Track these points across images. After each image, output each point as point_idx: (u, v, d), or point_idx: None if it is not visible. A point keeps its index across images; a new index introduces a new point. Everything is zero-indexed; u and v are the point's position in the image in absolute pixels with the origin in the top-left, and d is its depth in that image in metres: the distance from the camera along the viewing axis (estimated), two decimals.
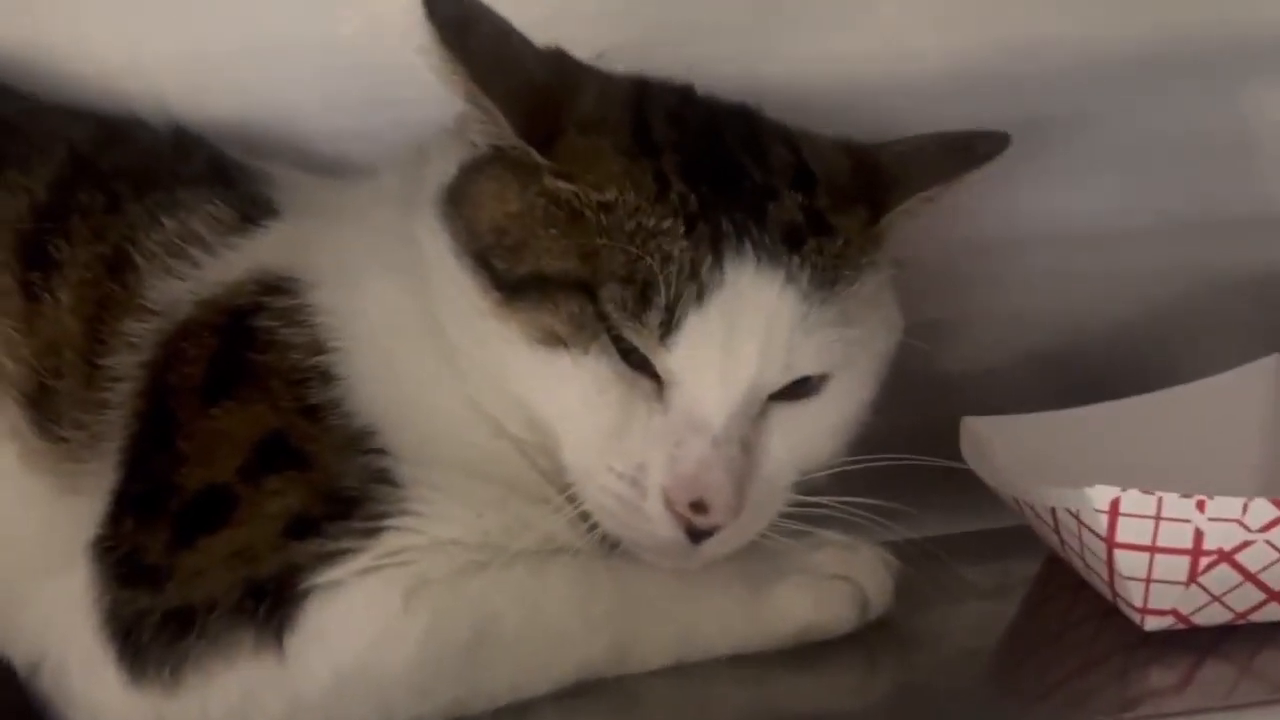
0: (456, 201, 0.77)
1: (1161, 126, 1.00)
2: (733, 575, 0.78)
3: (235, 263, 0.79)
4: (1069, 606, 0.84)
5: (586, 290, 0.73)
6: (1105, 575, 0.76)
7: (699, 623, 0.77)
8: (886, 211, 0.79)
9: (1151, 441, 0.90)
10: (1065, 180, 1.00)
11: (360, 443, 0.74)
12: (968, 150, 0.81)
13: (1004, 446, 0.88)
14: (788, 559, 0.79)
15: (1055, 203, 1.01)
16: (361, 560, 0.72)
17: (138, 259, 0.78)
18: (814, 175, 0.78)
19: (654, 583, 0.77)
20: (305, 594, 0.71)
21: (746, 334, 0.73)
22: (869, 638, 0.80)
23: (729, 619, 0.77)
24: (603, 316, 0.73)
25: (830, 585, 0.79)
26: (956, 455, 0.89)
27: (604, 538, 0.76)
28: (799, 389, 0.77)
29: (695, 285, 0.73)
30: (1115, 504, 0.72)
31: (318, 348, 0.76)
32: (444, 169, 0.78)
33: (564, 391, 0.74)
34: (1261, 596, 0.75)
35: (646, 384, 0.74)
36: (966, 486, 0.87)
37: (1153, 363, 1.02)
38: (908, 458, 0.78)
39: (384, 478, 0.74)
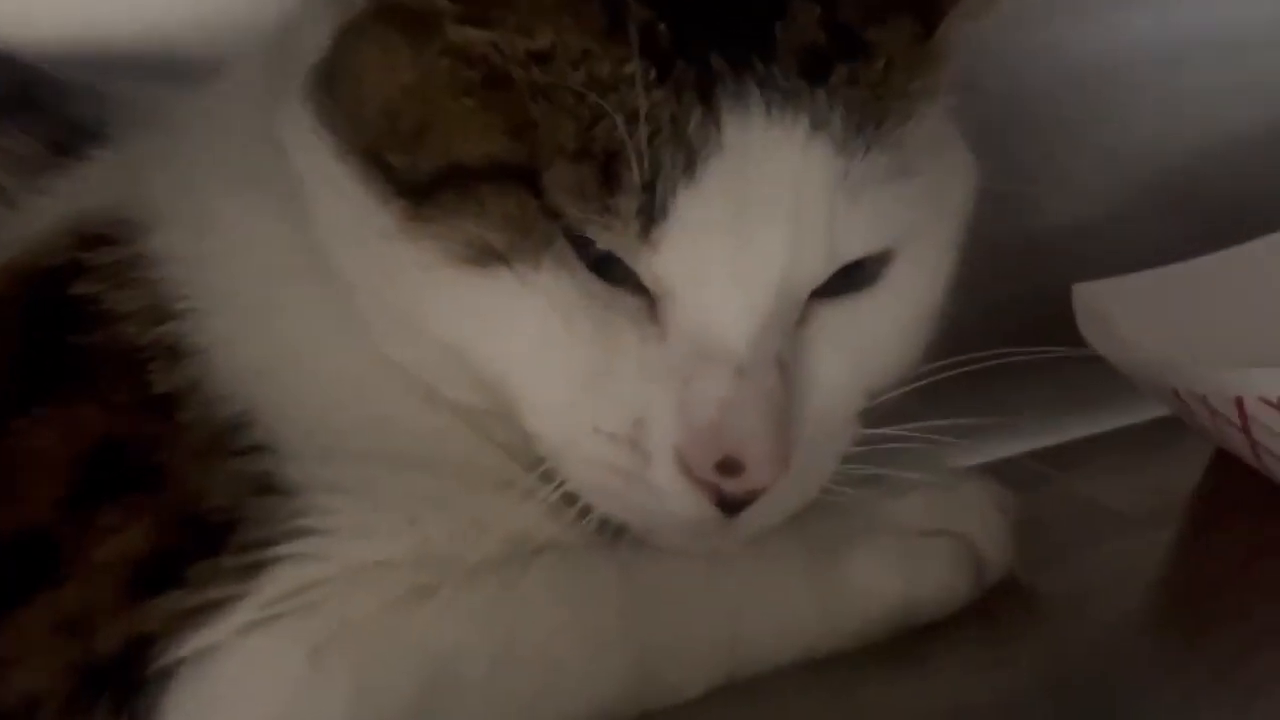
0: (332, 84, 0.56)
1: None
2: (790, 550, 0.58)
3: (44, 211, 0.60)
4: (1259, 527, 0.62)
5: (525, 178, 0.52)
6: None
7: (751, 623, 0.57)
8: (942, 16, 0.56)
9: None
10: None
11: (230, 440, 0.55)
12: None
13: (1132, 315, 0.69)
14: (862, 516, 0.59)
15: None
16: (243, 612, 0.52)
17: None
18: None
19: (680, 577, 0.57)
20: (165, 674, 0.52)
21: (765, 211, 0.53)
22: (988, 609, 0.59)
23: (792, 612, 0.57)
24: (553, 213, 0.52)
25: (926, 545, 0.59)
26: (1067, 336, 0.69)
27: (601, 524, 0.56)
28: (852, 278, 0.56)
29: (682, 150, 0.52)
30: None
31: (161, 313, 0.56)
32: (315, 44, 0.57)
33: (513, 328, 0.54)
34: None
35: (631, 302, 0.54)
36: (1087, 376, 0.68)
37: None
38: (1011, 351, 0.58)
39: (267, 486, 0.54)
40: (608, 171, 0.51)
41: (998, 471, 0.62)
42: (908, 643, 0.58)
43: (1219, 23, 0.87)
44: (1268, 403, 0.53)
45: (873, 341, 0.57)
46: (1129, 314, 0.69)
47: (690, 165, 0.52)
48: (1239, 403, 0.56)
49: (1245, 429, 0.57)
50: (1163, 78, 0.86)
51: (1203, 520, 0.66)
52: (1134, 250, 0.79)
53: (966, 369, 0.58)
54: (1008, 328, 0.59)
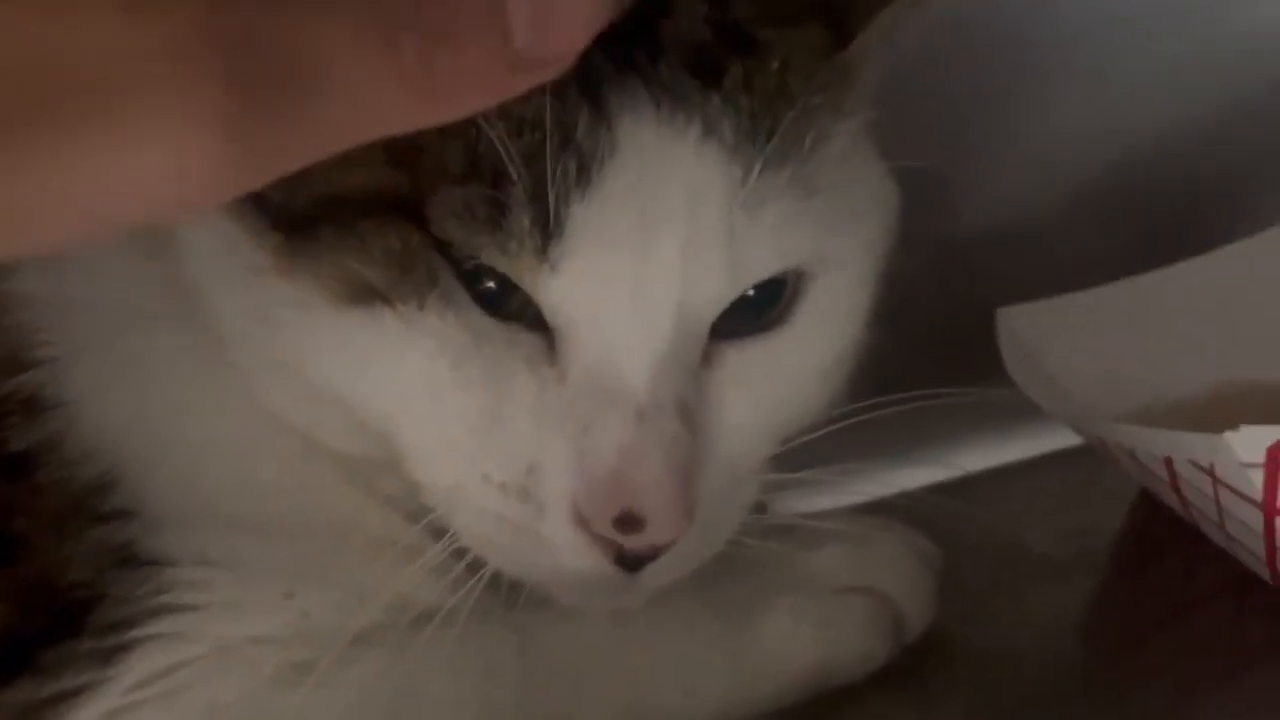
0: None
1: None
2: (698, 610, 0.54)
3: None
4: (1190, 573, 0.58)
5: (407, 210, 0.47)
6: (1261, 550, 0.50)
7: (658, 687, 0.53)
8: (857, 29, 0.51)
9: (1246, 301, 0.66)
10: None
11: (92, 505, 0.50)
12: None
13: (1056, 341, 0.65)
14: (775, 571, 0.55)
15: None
16: (103, 700, 0.47)
17: None
18: None
19: (581, 640, 0.52)
20: None
21: (662, 220, 0.48)
22: (911, 666, 0.55)
23: (702, 677, 0.53)
24: (440, 244, 0.47)
25: (843, 603, 0.55)
26: (988, 353, 0.65)
27: (494, 580, 0.51)
28: (761, 318, 0.51)
29: (573, 156, 0.47)
30: (1276, 453, 0.46)
31: (18, 363, 0.51)
32: None
33: (396, 372, 0.49)
34: None
35: (526, 340, 0.49)
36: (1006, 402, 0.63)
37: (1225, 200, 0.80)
38: (930, 394, 0.53)
39: (131, 557, 0.49)
40: (497, 189, 0.46)
41: (914, 503, 0.57)
42: (825, 705, 0.54)
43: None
44: (1197, 465, 0.50)
45: (784, 385, 0.52)
46: (1055, 338, 0.65)
47: (584, 171, 0.47)
48: (1168, 462, 0.52)
49: (1175, 486, 0.54)
50: (1091, 82, 0.80)
51: (1130, 566, 0.62)
52: (1059, 261, 0.76)
53: (885, 410, 0.54)
54: (926, 343, 0.56)
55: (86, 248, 0.52)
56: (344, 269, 0.48)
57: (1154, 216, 0.80)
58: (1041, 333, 0.65)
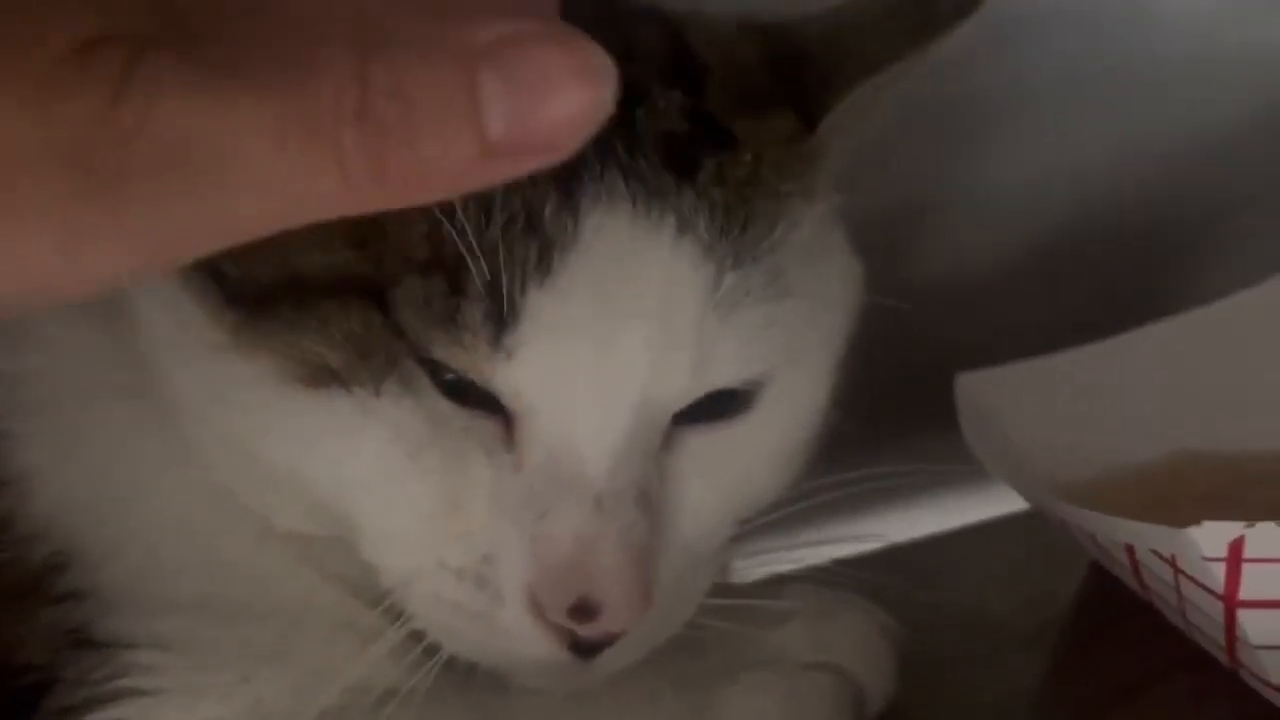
0: None
1: None
2: (659, 689, 0.53)
3: None
4: (1148, 646, 0.58)
5: (370, 294, 0.47)
6: (1222, 639, 0.50)
7: None
8: (825, 112, 0.51)
9: (1203, 370, 0.66)
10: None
11: (44, 585, 0.49)
12: (928, 7, 0.53)
13: (1014, 408, 0.65)
14: (735, 649, 0.54)
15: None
16: None
17: None
18: (702, 65, 0.51)
19: (542, 718, 0.52)
20: None
21: (628, 314, 0.47)
22: None
23: None
24: (399, 331, 0.47)
25: (805, 680, 0.55)
26: (943, 407, 0.65)
27: (451, 661, 0.50)
28: (722, 405, 0.51)
29: (535, 243, 0.46)
30: (1237, 548, 0.46)
31: None
32: None
33: (351, 456, 0.48)
34: None
35: (485, 426, 0.48)
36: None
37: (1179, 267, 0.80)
38: (889, 471, 0.54)
39: (85, 640, 0.48)
40: (456, 279, 0.46)
41: (872, 571, 0.57)
42: None
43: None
44: (1159, 555, 0.50)
45: (744, 470, 0.52)
46: (1014, 405, 0.65)
47: (545, 260, 0.46)
48: (1129, 549, 0.52)
49: (1135, 571, 0.54)
50: (1043, 137, 0.81)
51: (1086, 636, 0.62)
52: (1014, 323, 0.75)
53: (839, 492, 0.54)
54: (881, 407, 0.54)
55: (36, 319, 0.52)
56: (302, 350, 0.47)
57: (1110, 274, 0.81)
58: (1000, 399, 0.65)
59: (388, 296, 0.47)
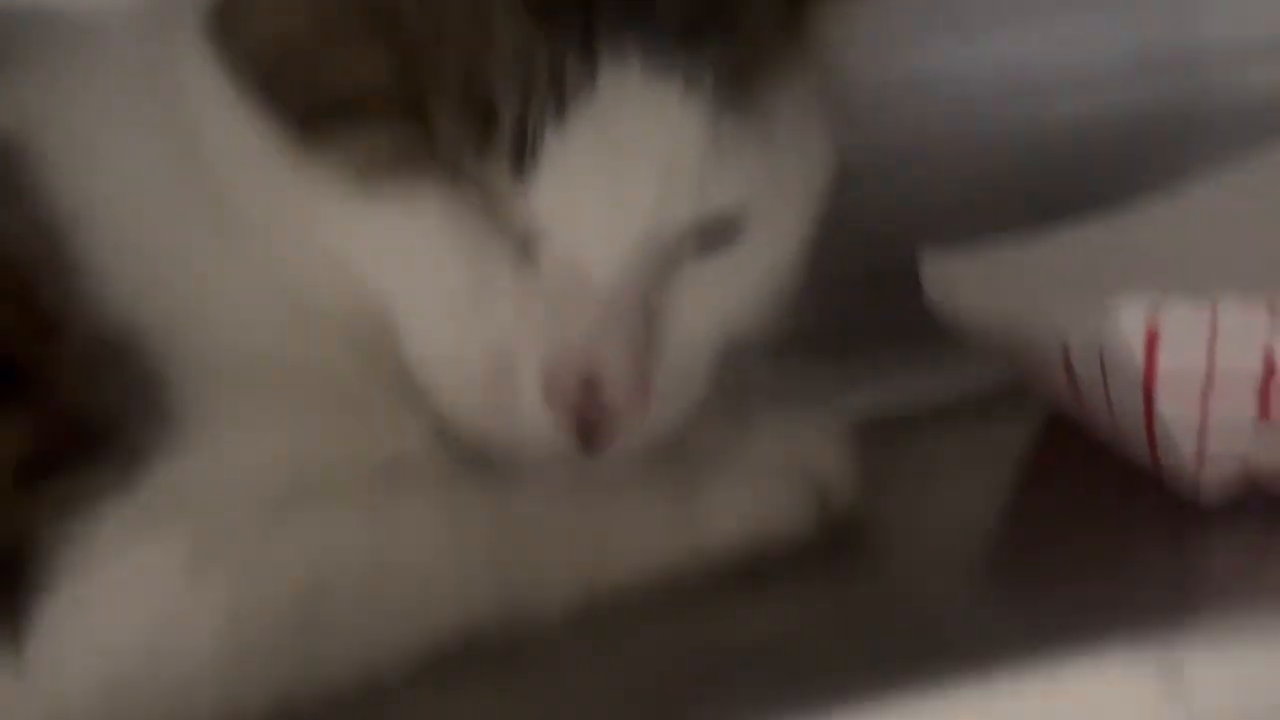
0: (227, 20, 0.59)
1: None
2: (647, 482, 0.61)
3: None
4: (1085, 478, 0.66)
5: (413, 110, 0.56)
6: (1144, 431, 0.57)
7: (608, 546, 0.60)
8: (806, 4, 0.62)
9: (1162, 258, 0.72)
10: None
11: (116, 356, 0.56)
12: None
13: (980, 285, 0.70)
14: (719, 452, 0.62)
15: None
16: (124, 508, 0.54)
17: None
18: None
19: (544, 501, 0.60)
20: (48, 569, 0.53)
21: (638, 158, 0.57)
22: (830, 545, 0.62)
23: (647, 537, 0.60)
24: (439, 144, 0.56)
25: (777, 479, 0.62)
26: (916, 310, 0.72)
27: (472, 454, 0.59)
28: (713, 239, 0.60)
29: (555, 95, 0.55)
30: (1153, 327, 0.53)
31: (48, 233, 0.58)
32: None
33: (395, 249, 0.57)
34: None
35: (510, 241, 0.57)
36: (932, 344, 0.72)
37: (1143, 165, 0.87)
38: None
39: (152, 399, 0.56)
40: (486, 111, 0.55)
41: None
42: (758, 570, 0.60)
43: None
44: (1090, 349, 0.57)
45: (732, 294, 0.61)
46: (980, 283, 0.70)
47: (562, 110, 0.55)
48: (1065, 352, 0.59)
49: (1070, 379, 0.59)
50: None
51: (1033, 466, 0.69)
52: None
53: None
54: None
55: (117, 127, 0.60)
56: (352, 159, 0.56)
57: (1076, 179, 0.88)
58: (965, 273, 0.71)
59: (425, 115, 0.55)
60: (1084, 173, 0.91)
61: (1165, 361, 0.54)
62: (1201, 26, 0.95)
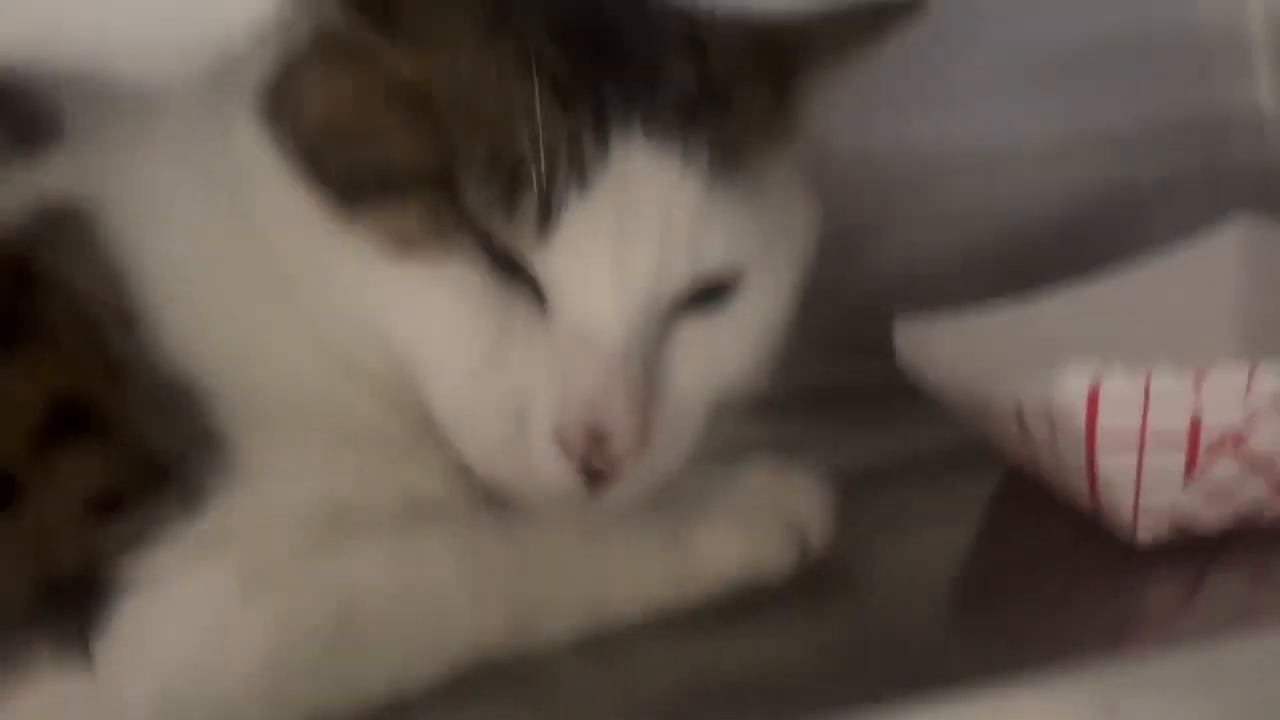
0: (279, 101, 0.65)
1: None
2: (646, 523, 0.67)
3: (5, 197, 0.66)
4: (1038, 526, 0.72)
5: (443, 184, 0.62)
6: (1086, 483, 0.64)
7: (610, 582, 0.66)
8: (792, 80, 0.69)
9: (1113, 330, 0.79)
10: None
11: (176, 400, 0.62)
12: (880, 14, 0.71)
13: (947, 350, 0.77)
14: (708, 497, 0.68)
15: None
16: (183, 543, 0.60)
17: None
18: (705, 43, 0.67)
19: (552, 540, 0.65)
20: (115, 589, 0.59)
21: (642, 224, 0.63)
22: (810, 582, 0.69)
23: (646, 574, 0.66)
24: (465, 214, 0.62)
25: (762, 522, 0.68)
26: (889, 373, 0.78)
27: (488, 496, 0.65)
28: (707, 300, 0.66)
29: (577, 167, 0.62)
30: (1095, 392, 0.60)
31: (116, 289, 0.64)
32: (262, 68, 0.66)
33: (424, 311, 0.63)
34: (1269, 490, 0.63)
35: (525, 295, 0.63)
36: (903, 404, 0.78)
37: (1100, 244, 0.91)
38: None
39: (207, 439, 0.61)
40: (514, 181, 0.61)
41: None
42: (743, 605, 0.66)
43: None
44: (1040, 410, 0.63)
45: (724, 353, 0.67)
46: (948, 349, 0.76)
47: (583, 179, 0.62)
48: (1019, 414, 0.65)
49: (1024, 437, 0.66)
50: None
51: (994, 518, 0.75)
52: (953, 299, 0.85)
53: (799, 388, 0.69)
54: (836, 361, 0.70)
55: (177, 195, 0.66)
56: (388, 225, 0.62)
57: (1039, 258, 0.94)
58: (934, 339, 0.77)
59: (457, 186, 0.62)
60: (1048, 245, 0.98)
61: (1105, 421, 0.61)
62: (1170, 105, 1.02)
